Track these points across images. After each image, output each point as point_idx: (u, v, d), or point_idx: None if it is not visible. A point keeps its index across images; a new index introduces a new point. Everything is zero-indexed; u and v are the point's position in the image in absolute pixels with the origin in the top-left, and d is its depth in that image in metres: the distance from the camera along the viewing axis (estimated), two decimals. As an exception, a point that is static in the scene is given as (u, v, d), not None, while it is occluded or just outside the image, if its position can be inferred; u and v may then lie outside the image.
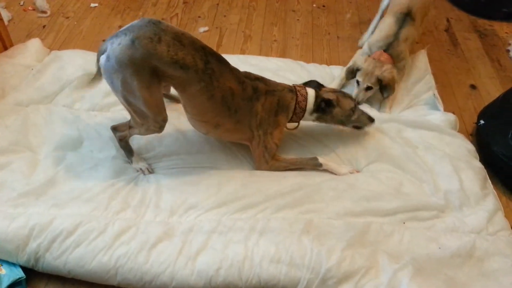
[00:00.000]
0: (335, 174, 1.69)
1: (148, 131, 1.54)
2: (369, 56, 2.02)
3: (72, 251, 1.39)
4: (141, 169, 1.66)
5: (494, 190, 1.67)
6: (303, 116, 1.68)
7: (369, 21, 2.70)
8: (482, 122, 1.92)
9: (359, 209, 1.54)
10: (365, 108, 1.99)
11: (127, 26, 1.35)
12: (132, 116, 1.51)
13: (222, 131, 1.61)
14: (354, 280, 1.35)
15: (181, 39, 1.36)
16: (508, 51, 2.53)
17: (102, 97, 1.96)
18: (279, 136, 1.68)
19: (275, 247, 1.40)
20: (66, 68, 2.07)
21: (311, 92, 1.67)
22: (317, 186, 1.61)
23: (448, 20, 2.77)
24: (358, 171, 1.73)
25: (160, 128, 1.52)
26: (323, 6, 2.87)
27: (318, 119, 1.72)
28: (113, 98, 1.95)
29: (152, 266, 1.37)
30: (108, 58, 1.33)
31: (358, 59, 2.01)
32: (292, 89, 1.66)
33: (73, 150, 1.73)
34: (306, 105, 1.66)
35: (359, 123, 1.75)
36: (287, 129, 1.75)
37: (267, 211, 1.52)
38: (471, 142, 1.86)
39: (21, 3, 2.74)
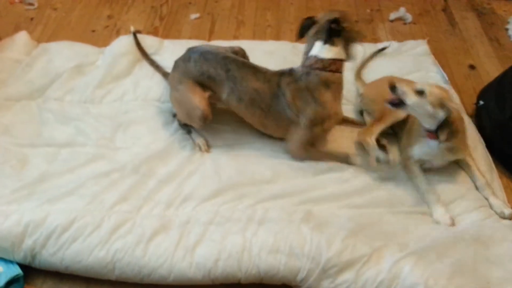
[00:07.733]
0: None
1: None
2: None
3: (68, 247, 1.38)
4: (199, 144, 1.68)
5: (498, 177, 1.64)
6: (340, 62, 1.54)
7: (363, 2, 2.66)
8: (481, 102, 1.89)
9: (361, 199, 1.52)
10: None
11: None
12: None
13: (272, 129, 1.69)
14: (355, 268, 1.33)
15: (205, 55, 1.66)
16: (506, 29, 2.48)
17: (93, 88, 1.93)
18: (328, 125, 1.60)
19: (273, 237, 1.38)
20: (54, 61, 2.04)
21: (318, 46, 1.54)
22: (317, 174, 1.59)
23: (445, 0, 2.72)
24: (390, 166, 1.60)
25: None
26: (317, -12, 2.80)
27: (346, 50, 1.55)
28: (104, 90, 1.94)
29: (150, 259, 1.36)
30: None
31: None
32: (317, 70, 1.53)
33: (66, 145, 1.70)
34: (330, 58, 1.52)
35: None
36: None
37: (265, 202, 1.50)
38: (472, 123, 1.83)
39: (8, -5, 2.68)
